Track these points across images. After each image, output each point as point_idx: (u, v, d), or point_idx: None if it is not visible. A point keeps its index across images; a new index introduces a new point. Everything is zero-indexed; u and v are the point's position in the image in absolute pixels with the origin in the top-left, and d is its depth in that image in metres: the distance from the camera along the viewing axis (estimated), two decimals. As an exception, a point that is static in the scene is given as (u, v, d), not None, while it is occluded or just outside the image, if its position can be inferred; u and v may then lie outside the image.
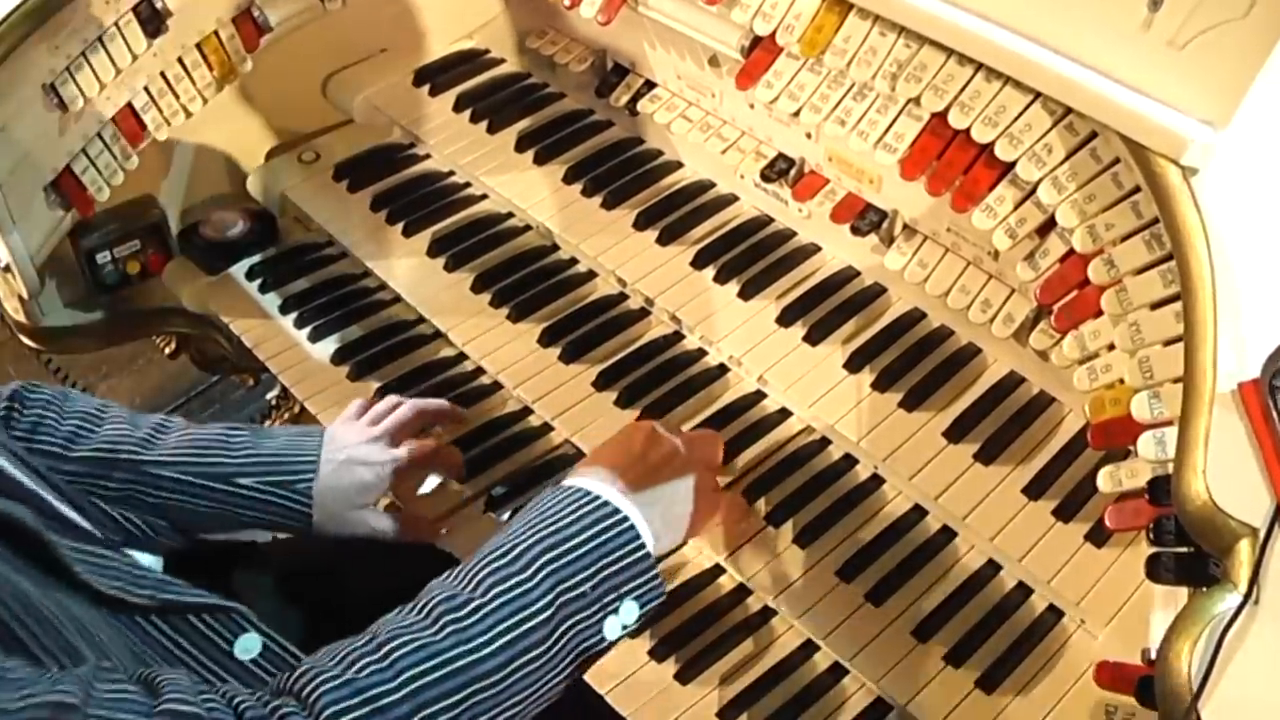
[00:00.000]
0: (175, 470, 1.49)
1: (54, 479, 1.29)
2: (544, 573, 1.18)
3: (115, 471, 1.46)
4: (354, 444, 1.56)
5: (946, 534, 1.54)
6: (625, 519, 1.25)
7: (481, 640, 1.12)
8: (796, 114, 1.59)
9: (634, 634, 1.30)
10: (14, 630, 1.03)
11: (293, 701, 1.04)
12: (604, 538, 1.23)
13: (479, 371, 1.82)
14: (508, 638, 1.13)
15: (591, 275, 1.88)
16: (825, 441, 1.64)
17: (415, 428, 1.64)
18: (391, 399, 1.66)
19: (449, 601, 1.14)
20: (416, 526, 1.63)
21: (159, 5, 1.79)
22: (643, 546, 1.25)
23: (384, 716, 1.05)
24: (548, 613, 1.16)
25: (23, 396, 1.47)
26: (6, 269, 1.88)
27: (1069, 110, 1.33)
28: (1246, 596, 1.04)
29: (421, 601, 1.16)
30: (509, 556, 1.19)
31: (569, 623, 1.19)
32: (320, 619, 1.48)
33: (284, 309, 1.94)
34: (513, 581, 1.17)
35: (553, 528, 1.22)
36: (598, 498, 1.26)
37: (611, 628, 1.22)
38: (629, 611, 1.24)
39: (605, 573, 1.22)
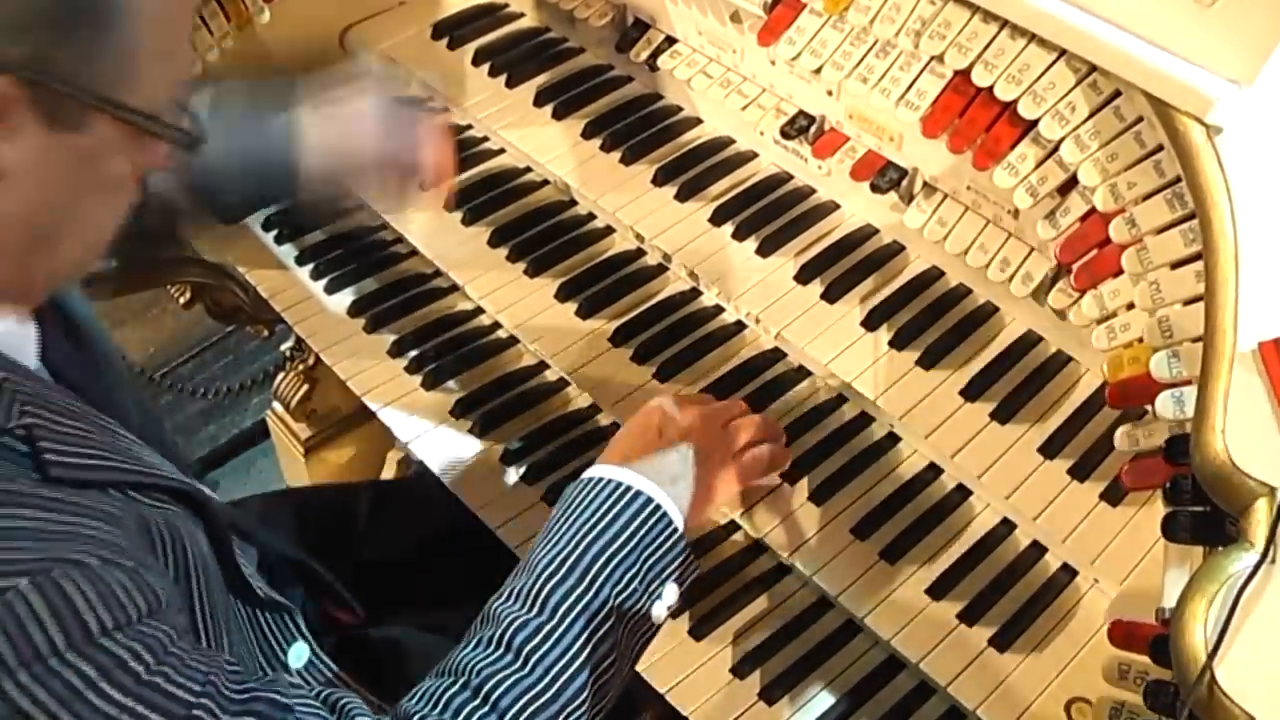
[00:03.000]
0: None
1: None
2: (600, 580, 1.24)
3: None
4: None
5: (961, 492, 1.55)
6: (658, 507, 1.30)
7: (563, 664, 1.19)
8: (818, 71, 1.58)
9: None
10: (197, 622, 1.11)
11: None
12: (643, 531, 1.29)
13: (496, 326, 1.82)
14: (584, 654, 1.20)
15: (609, 231, 1.87)
16: (842, 399, 1.64)
17: None
18: None
19: (524, 630, 1.20)
20: None
21: (177, -46, 1.78)
22: (676, 530, 1.31)
23: None
24: (611, 619, 1.23)
25: None
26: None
27: (1093, 68, 1.32)
28: (1263, 556, 1.04)
29: (497, 633, 1.20)
30: (564, 568, 1.24)
31: (626, 618, 1.25)
32: (335, 560, 1.50)
33: (300, 260, 1.94)
34: (574, 596, 1.23)
35: (596, 529, 1.28)
36: (629, 489, 1.31)
37: (658, 611, 1.29)
38: (670, 593, 1.31)
39: (649, 563, 1.28)
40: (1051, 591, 1.46)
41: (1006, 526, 1.52)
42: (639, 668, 1.44)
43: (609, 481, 1.31)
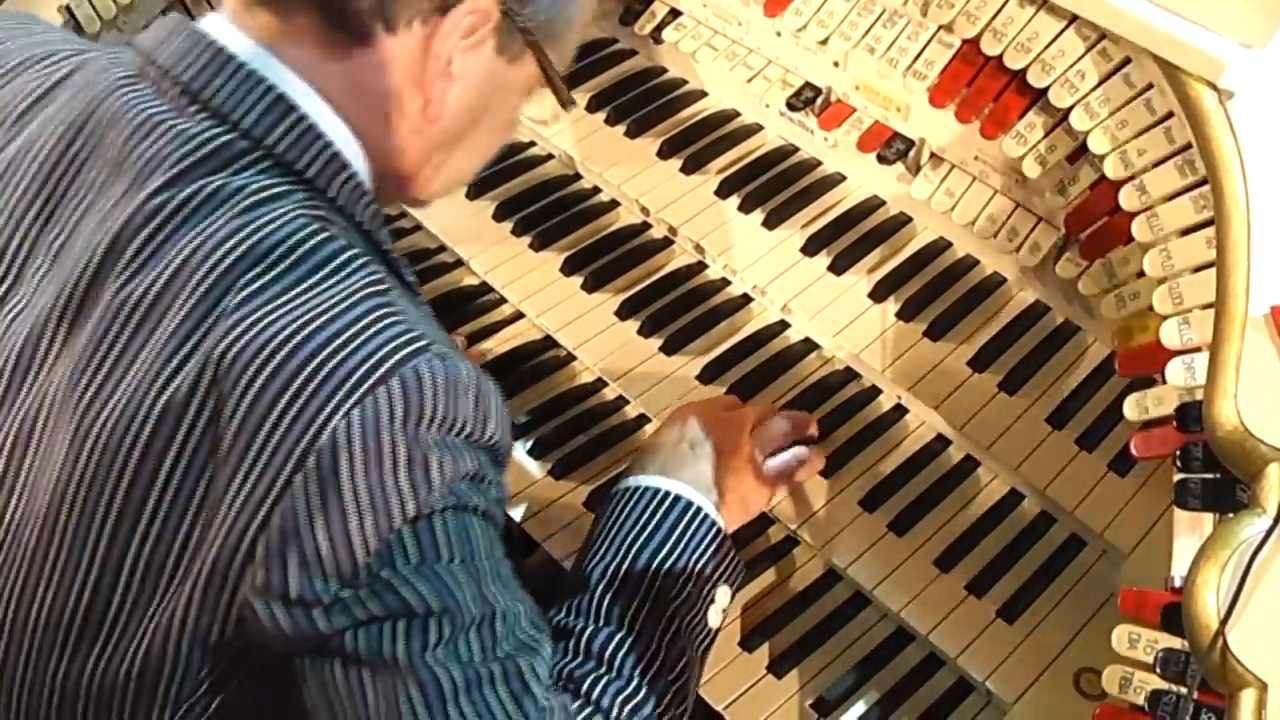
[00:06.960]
0: None
1: None
2: (655, 587, 1.26)
3: None
4: None
5: (970, 463, 1.54)
6: (699, 509, 1.33)
7: (644, 665, 1.22)
8: (825, 41, 1.58)
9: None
10: None
11: None
12: (689, 534, 1.31)
13: (501, 301, 1.81)
14: (660, 657, 1.23)
15: (614, 204, 1.87)
16: (849, 371, 1.64)
17: None
18: None
19: (598, 638, 1.22)
20: None
21: (179, -71, 1.78)
22: (719, 529, 1.34)
23: None
24: (676, 623, 1.26)
25: None
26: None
27: (1103, 35, 1.31)
28: (1276, 521, 1.03)
29: (576, 644, 1.22)
30: (618, 580, 1.27)
31: (688, 625, 1.27)
32: None
33: (305, 236, 1.92)
34: (635, 605, 1.24)
35: (642, 538, 1.30)
36: (667, 494, 1.33)
37: (714, 618, 1.31)
38: (723, 597, 1.33)
39: (699, 564, 1.30)
40: (1060, 562, 1.46)
41: (1015, 497, 1.51)
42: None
43: (645, 489, 1.33)
